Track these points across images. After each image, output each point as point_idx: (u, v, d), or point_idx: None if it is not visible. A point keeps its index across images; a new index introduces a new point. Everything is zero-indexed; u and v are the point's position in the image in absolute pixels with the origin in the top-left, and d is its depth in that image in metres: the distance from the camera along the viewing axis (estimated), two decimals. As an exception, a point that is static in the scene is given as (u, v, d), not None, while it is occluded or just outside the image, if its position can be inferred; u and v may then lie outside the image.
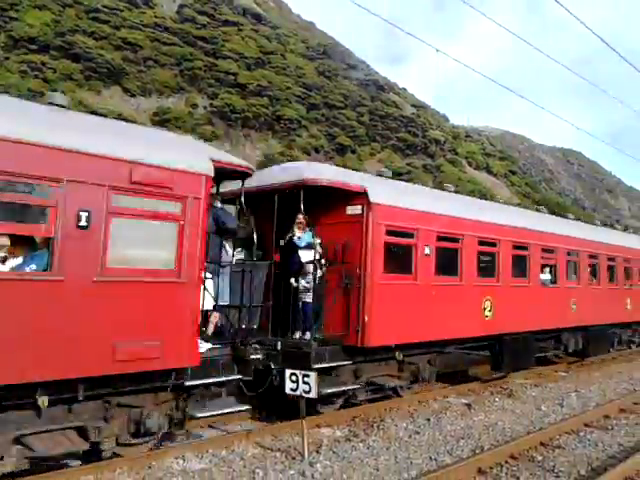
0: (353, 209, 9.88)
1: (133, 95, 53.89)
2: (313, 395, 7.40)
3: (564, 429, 9.22)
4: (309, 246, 9.51)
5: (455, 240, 11.60)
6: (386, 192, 10.38)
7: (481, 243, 12.22)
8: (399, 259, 10.54)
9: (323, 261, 9.61)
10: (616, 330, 18.33)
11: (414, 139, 74.94)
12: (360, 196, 9.78)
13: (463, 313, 11.55)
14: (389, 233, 10.07)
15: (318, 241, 9.58)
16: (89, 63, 51.61)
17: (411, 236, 10.55)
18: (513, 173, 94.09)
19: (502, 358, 12.78)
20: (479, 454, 7.80)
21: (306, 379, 7.37)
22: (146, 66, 56.75)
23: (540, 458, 7.82)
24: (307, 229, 9.70)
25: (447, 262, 11.40)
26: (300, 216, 9.59)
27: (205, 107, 57.28)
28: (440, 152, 77.81)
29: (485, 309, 12.12)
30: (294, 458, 7.46)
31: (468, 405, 10.84)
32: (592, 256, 16.64)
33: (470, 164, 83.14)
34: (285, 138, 59.61)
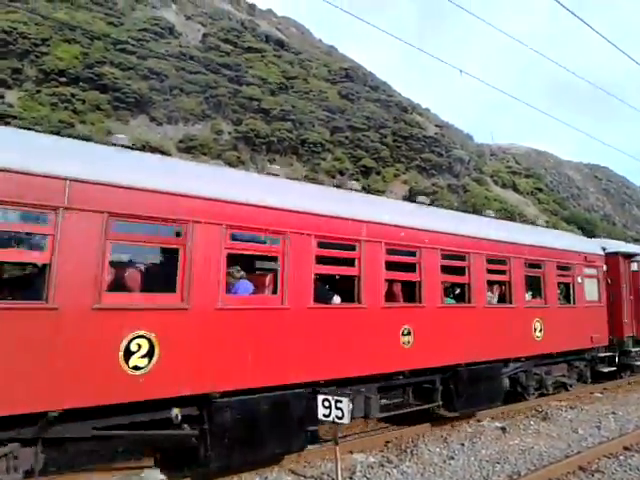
0: None
1: (160, 123, 54.86)
2: (346, 421, 7.33)
3: (603, 453, 9.02)
4: None
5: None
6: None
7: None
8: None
9: None
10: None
11: (438, 159, 74.69)
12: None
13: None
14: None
15: None
16: (117, 93, 52.77)
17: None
18: (540, 190, 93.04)
19: None
20: (516, 479, 7.64)
21: (339, 404, 7.31)
22: (172, 94, 57.80)
23: (579, 483, 7.67)
24: None
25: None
26: None
27: (230, 133, 57.99)
28: (465, 171, 77.42)
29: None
30: (328, 485, 7.40)
31: (502, 429, 10.65)
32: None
33: (496, 182, 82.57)
34: (309, 162, 59.95)
